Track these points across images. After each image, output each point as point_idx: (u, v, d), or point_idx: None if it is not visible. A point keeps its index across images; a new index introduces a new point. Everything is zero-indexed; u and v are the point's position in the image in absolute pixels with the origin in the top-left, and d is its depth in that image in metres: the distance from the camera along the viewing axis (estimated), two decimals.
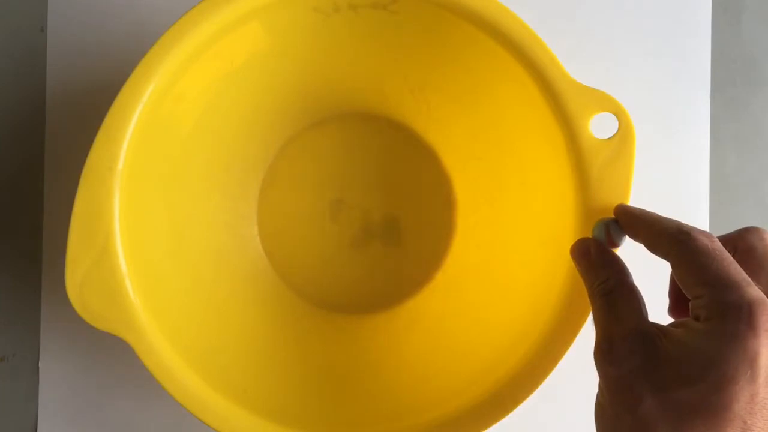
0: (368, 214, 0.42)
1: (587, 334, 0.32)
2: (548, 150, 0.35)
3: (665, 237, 0.28)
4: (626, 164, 0.32)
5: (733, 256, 0.27)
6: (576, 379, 0.40)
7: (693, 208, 0.42)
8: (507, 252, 0.39)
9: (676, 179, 0.42)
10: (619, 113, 0.32)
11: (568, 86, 0.32)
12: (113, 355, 0.41)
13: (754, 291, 0.24)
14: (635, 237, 0.30)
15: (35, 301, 0.41)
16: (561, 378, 0.33)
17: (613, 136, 0.32)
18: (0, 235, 0.42)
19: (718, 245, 0.26)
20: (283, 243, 0.42)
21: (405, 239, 0.42)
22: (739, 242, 0.28)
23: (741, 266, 0.26)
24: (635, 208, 0.31)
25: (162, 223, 0.36)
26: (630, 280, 0.29)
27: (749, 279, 0.25)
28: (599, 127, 0.32)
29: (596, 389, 0.39)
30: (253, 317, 0.39)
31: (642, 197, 0.40)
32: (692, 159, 0.42)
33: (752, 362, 0.23)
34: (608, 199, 0.32)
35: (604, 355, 0.27)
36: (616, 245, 0.31)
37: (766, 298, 0.24)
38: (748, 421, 0.24)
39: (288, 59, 0.38)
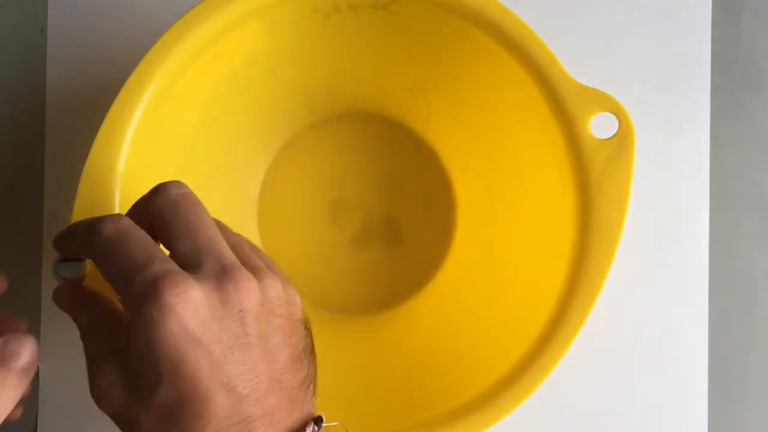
0: (368, 214, 0.42)
1: (587, 334, 0.32)
2: (548, 150, 0.35)
3: (82, 244, 0.26)
4: (626, 164, 0.32)
5: (150, 225, 0.26)
6: (576, 379, 0.40)
7: (693, 208, 0.42)
8: (507, 252, 0.39)
9: (676, 179, 0.42)
10: (619, 113, 0.32)
11: (568, 86, 0.32)
12: None
13: (156, 266, 0.24)
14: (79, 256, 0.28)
15: (35, 301, 0.41)
16: (561, 378, 0.33)
17: (613, 136, 0.32)
18: (0, 235, 0.42)
19: (124, 225, 0.25)
20: (283, 243, 0.42)
21: (405, 239, 0.42)
22: (152, 207, 0.27)
23: (161, 233, 0.26)
24: (68, 227, 0.28)
25: None
26: (100, 314, 0.27)
27: (156, 252, 0.25)
28: (599, 127, 0.32)
29: (596, 389, 0.39)
30: None
31: (642, 197, 0.40)
32: (692, 159, 0.42)
33: (181, 335, 0.23)
34: (608, 199, 0.32)
35: (92, 394, 0.26)
36: (76, 280, 0.29)
37: (170, 266, 0.24)
38: (225, 380, 0.24)
39: (288, 59, 0.38)
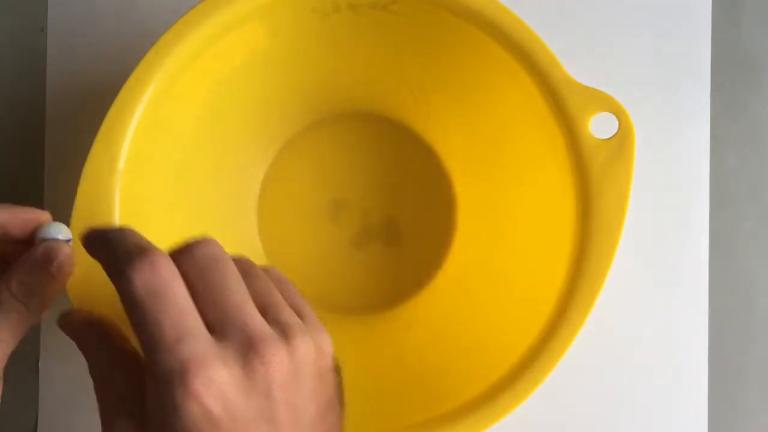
0: (368, 214, 0.42)
1: (587, 335, 0.32)
2: (548, 150, 0.35)
3: (109, 270, 0.25)
4: (626, 164, 0.32)
5: (187, 278, 0.25)
6: (576, 379, 0.40)
7: (693, 208, 0.42)
8: (507, 252, 0.39)
9: (676, 179, 0.42)
10: (619, 113, 0.32)
11: (568, 86, 0.32)
12: None
13: (186, 348, 0.23)
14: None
15: None
16: (561, 378, 0.33)
17: (613, 136, 0.32)
18: None
19: (160, 279, 0.24)
20: (283, 243, 0.42)
21: (405, 239, 0.42)
22: (179, 267, 0.25)
23: (196, 292, 0.25)
24: (104, 230, 0.27)
25: (162, 223, 0.36)
26: (113, 353, 0.27)
27: (188, 323, 0.24)
28: (599, 127, 0.32)
29: (596, 388, 0.39)
30: None
31: (642, 197, 0.40)
32: (692, 159, 0.42)
33: (203, 418, 0.23)
34: (608, 199, 0.32)
35: None
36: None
37: (199, 346, 0.23)
38: None
39: (288, 59, 0.38)
